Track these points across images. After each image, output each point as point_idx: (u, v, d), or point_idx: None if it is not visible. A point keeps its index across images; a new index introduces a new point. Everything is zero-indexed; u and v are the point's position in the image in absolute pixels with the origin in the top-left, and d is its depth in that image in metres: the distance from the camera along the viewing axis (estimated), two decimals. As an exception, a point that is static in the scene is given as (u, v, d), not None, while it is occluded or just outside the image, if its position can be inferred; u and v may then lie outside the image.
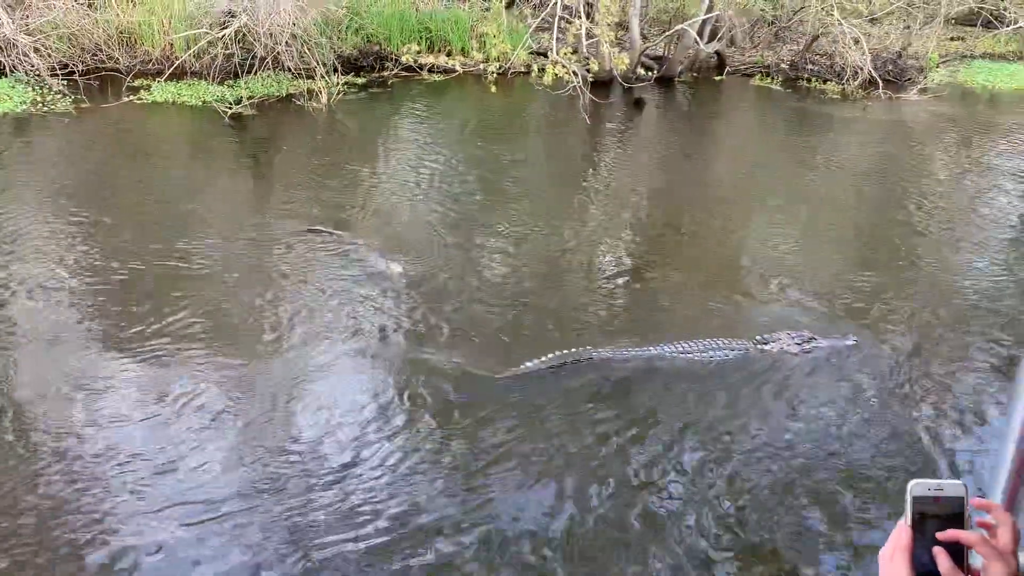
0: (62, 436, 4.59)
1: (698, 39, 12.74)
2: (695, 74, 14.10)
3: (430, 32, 13.67)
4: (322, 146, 10.18)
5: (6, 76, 10.84)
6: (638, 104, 12.22)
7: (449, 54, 13.29)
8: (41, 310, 5.88)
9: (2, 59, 10.87)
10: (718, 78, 14.04)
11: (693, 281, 6.80)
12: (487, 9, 13.88)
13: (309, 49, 11.84)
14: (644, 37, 14.16)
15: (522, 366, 5.29)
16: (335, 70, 12.01)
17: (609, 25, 10.45)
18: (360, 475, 4.39)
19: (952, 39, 16.32)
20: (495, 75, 10.32)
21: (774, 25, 15.56)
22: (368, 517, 4.10)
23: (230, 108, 10.52)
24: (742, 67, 14.42)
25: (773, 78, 13.92)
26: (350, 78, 12.41)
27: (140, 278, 6.37)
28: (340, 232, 7.19)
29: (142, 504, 4.12)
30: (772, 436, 4.80)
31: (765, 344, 5.56)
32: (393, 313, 6.02)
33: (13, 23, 10.90)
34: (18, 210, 7.52)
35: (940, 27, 15.08)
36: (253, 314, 5.92)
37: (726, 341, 5.54)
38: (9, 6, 11.20)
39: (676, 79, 13.62)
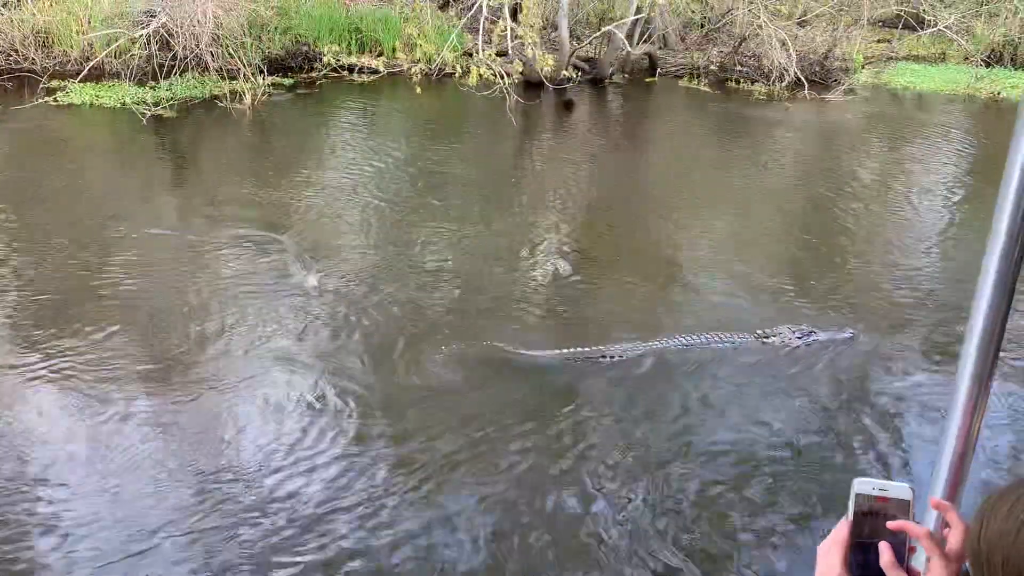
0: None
1: (626, 41, 12.82)
2: (626, 75, 14.20)
3: (360, 33, 13.57)
4: (244, 148, 10.04)
5: (-89, 77, 10.48)
6: (567, 105, 12.27)
7: (380, 55, 13.23)
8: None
9: (-92, 59, 10.49)
10: (649, 80, 14.15)
11: (629, 276, 6.84)
12: (423, 11, 13.81)
13: (233, 50, 11.67)
14: (578, 39, 14.23)
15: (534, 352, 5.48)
16: (261, 71, 11.84)
17: (532, 26, 10.46)
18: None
19: (878, 41, 16.67)
20: (420, 76, 10.26)
21: (704, 27, 15.75)
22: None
23: (149, 110, 10.30)
24: (673, 68, 14.55)
25: (701, 79, 14.08)
26: (277, 79, 12.25)
27: (49, 285, 6.19)
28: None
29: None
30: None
31: (767, 338, 5.71)
32: (314, 317, 5.94)
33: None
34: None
35: (865, 29, 15.40)
36: (172, 323, 5.79)
37: (729, 335, 5.70)
38: (-83, 4, 10.84)
39: (607, 81, 13.70)
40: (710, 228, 8.08)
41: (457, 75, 10.39)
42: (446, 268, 6.92)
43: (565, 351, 5.53)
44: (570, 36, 13.37)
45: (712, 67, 14.42)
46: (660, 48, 14.78)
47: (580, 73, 13.54)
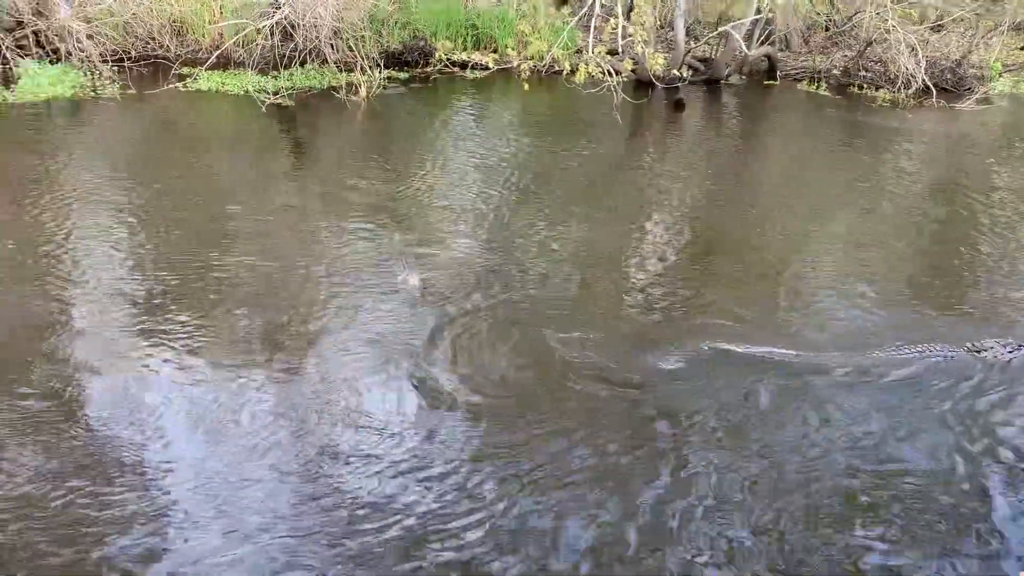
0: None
1: (743, 42, 12.50)
2: (743, 77, 13.84)
3: (476, 29, 13.76)
4: (356, 139, 10.35)
5: (61, 62, 11.28)
6: (678, 105, 12.06)
7: (495, 51, 13.36)
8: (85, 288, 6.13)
9: (59, 45, 11.30)
10: (768, 82, 13.75)
11: (755, 287, 6.73)
12: (536, 8, 13.88)
13: (352, 43, 12.04)
14: (695, 38, 13.98)
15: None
16: (377, 65, 12.17)
17: (643, 24, 10.33)
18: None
19: (1022, 48, 15.64)
20: (528, 73, 10.31)
21: (829, 30, 15.18)
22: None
23: (269, 98, 10.76)
24: (793, 71, 14.09)
25: (822, 83, 13.57)
26: (392, 73, 12.56)
27: (167, 260, 6.58)
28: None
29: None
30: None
31: (979, 352, 5.73)
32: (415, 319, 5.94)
33: (71, 9, 11.33)
34: (60, 189, 7.85)
35: (1006, 35, 14.48)
36: (277, 306, 6.02)
37: (942, 346, 5.73)
38: (68, -7, 11.66)
39: (722, 82, 13.40)
40: (842, 238, 7.81)
41: (565, 72, 10.39)
42: (554, 266, 6.90)
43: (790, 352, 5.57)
44: (687, 35, 13.15)
45: (835, 71, 13.88)
46: (781, 50, 14.33)
47: (694, 73, 13.30)
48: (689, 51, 13.06)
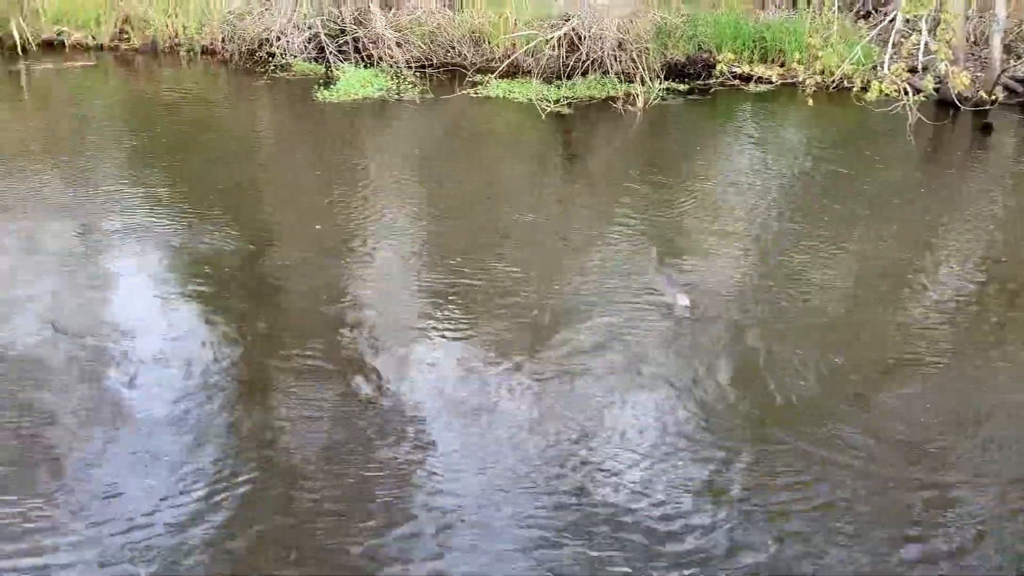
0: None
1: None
2: (1075, 102, 12.19)
3: (764, 42, 13.35)
4: (629, 149, 10.50)
5: (373, 66, 12.54)
6: (985, 130, 10.91)
7: (782, 64, 12.89)
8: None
9: (372, 50, 12.59)
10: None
11: None
12: (830, 20, 13.18)
13: (637, 55, 12.20)
14: (1017, 56, 12.55)
15: None
16: (658, 76, 12.23)
17: (948, 41, 9.44)
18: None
19: None
20: (813, 88, 9.83)
21: None
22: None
23: (550, 106, 11.22)
24: None
25: None
26: (672, 84, 12.55)
27: (440, 256, 7.16)
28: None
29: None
30: None
31: None
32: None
33: (385, 20, 12.57)
34: (363, 180, 8.80)
35: None
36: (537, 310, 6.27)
37: None
38: (386, 5, 12.93)
39: (1046, 106, 11.91)
40: None
41: (855, 89, 9.78)
42: (825, 293, 6.60)
43: None
44: (1006, 53, 11.85)
45: None
46: None
47: (1010, 95, 11.94)
48: (1005, 70, 11.75)
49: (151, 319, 6.00)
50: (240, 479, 4.42)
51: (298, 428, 4.87)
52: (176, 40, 13.47)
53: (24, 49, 13.05)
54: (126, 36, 13.60)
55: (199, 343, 5.69)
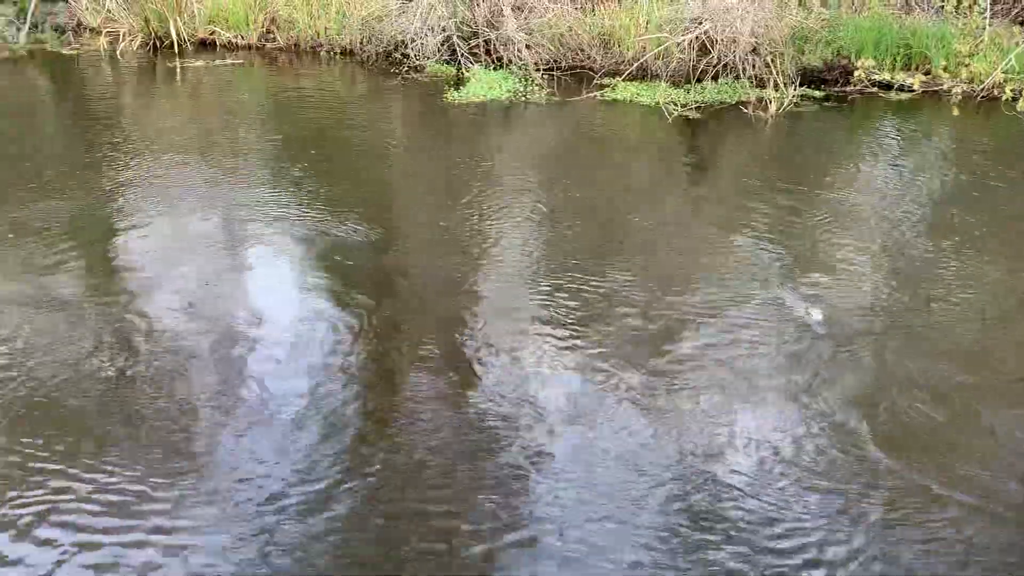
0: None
1: None
2: None
3: (909, 48, 12.74)
4: (757, 155, 10.26)
5: (502, 68, 12.72)
6: None
7: (927, 72, 12.29)
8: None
9: (502, 52, 12.78)
10: None
11: None
12: (981, 26, 12.47)
13: (772, 59, 11.90)
14: None
15: None
16: (792, 81, 11.89)
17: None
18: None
19: None
20: (959, 97, 9.34)
21: None
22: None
23: (677, 110, 11.10)
24: None
25: None
26: (808, 91, 12.16)
27: (564, 260, 7.23)
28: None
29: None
30: None
31: None
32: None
33: (516, 22, 12.73)
34: (488, 179, 8.99)
35: None
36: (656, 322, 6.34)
37: None
38: (517, 8, 13.09)
39: None
40: None
41: (1005, 98, 9.23)
42: (961, 312, 6.30)
43: None
44: None
45: None
46: None
47: None
48: None
49: (280, 304, 6.32)
50: (358, 472, 4.62)
51: (406, 422, 5.03)
52: (317, 41, 14.05)
53: (181, 48, 13.92)
54: (272, 36, 14.30)
55: (323, 329, 5.95)
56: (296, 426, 4.90)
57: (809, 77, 12.43)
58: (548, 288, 6.58)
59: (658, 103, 11.51)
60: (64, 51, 14.01)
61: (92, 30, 14.56)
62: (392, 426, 4.96)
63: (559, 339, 5.86)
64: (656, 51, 12.22)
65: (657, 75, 12.25)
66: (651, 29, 12.66)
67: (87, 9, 14.58)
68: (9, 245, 7.11)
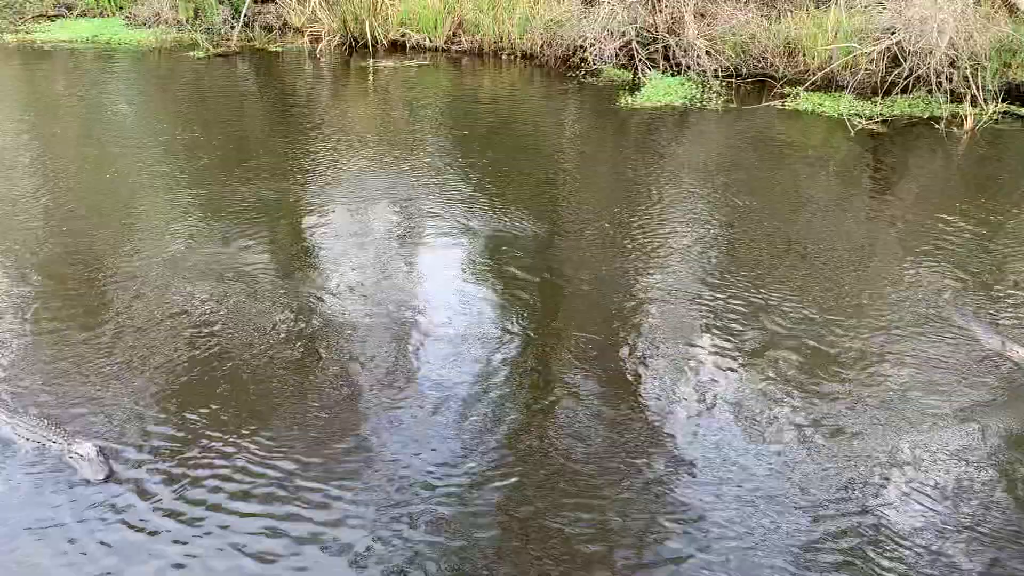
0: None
1: None
2: None
3: None
4: (950, 174, 9.68)
5: (679, 74, 12.63)
6: None
7: None
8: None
9: (681, 58, 12.69)
10: None
11: None
12: None
13: (971, 73, 11.16)
14: None
15: None
16: (995, 97, 11.11)
17: None
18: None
19: None
20: None
21: None
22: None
23: (861, 123, 10.63)
24: None
25: None
26: (1011, 107, 11.31)
27: (724, 278, 7.17)
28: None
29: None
30: None
31: None
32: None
33: (696, 29, 12.61)
34: (655, 186, 8.99)
35: None
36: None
37: None
38: (700, 15, 12.96)
39: None
40: None
41: None
42: None
43: None
44: None
45: None
46: None
47: None
48: None
49: (447, 295, 6.61)
50: (512, 466, 4.79)
51: (555, 421, 5.15)
52: (500, 44, 14.49)
53: (374, 48, 14.76)
54: (457, 39, 14.88)
55: (486, 322, 6.18)
56: (458, 415, 5.13)
57: (1015, 93, 11.56)
58: (713, 297, 6.52)
59: (842, 115, 11.07)
60: (270, 48, 15.21)
61: (296, 30, 15.73)
62: (550, 422, 5.10)
63: (725, 353, 5.79)
64: (844, 60, 11.75)
65: (842, 86, 11.78)
66: (840, 38, 12.19)
67: (293, 10, 15.75)
68: (211, 220, 7.87)
